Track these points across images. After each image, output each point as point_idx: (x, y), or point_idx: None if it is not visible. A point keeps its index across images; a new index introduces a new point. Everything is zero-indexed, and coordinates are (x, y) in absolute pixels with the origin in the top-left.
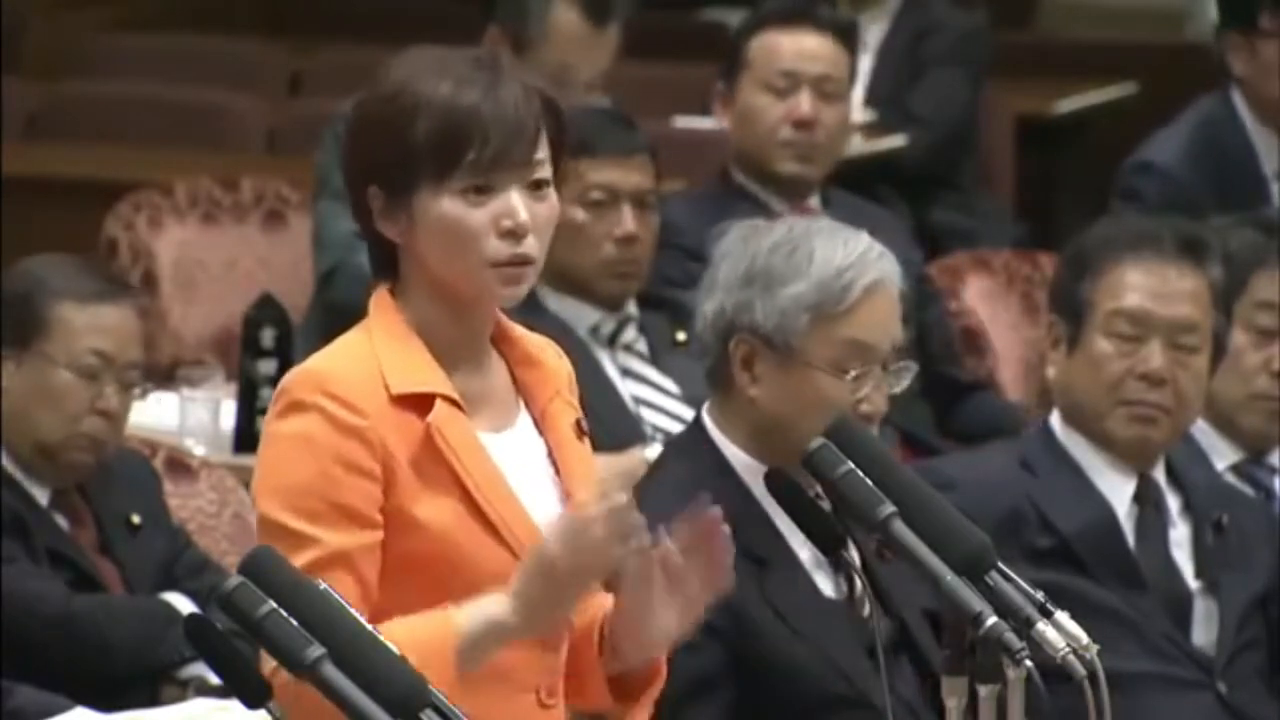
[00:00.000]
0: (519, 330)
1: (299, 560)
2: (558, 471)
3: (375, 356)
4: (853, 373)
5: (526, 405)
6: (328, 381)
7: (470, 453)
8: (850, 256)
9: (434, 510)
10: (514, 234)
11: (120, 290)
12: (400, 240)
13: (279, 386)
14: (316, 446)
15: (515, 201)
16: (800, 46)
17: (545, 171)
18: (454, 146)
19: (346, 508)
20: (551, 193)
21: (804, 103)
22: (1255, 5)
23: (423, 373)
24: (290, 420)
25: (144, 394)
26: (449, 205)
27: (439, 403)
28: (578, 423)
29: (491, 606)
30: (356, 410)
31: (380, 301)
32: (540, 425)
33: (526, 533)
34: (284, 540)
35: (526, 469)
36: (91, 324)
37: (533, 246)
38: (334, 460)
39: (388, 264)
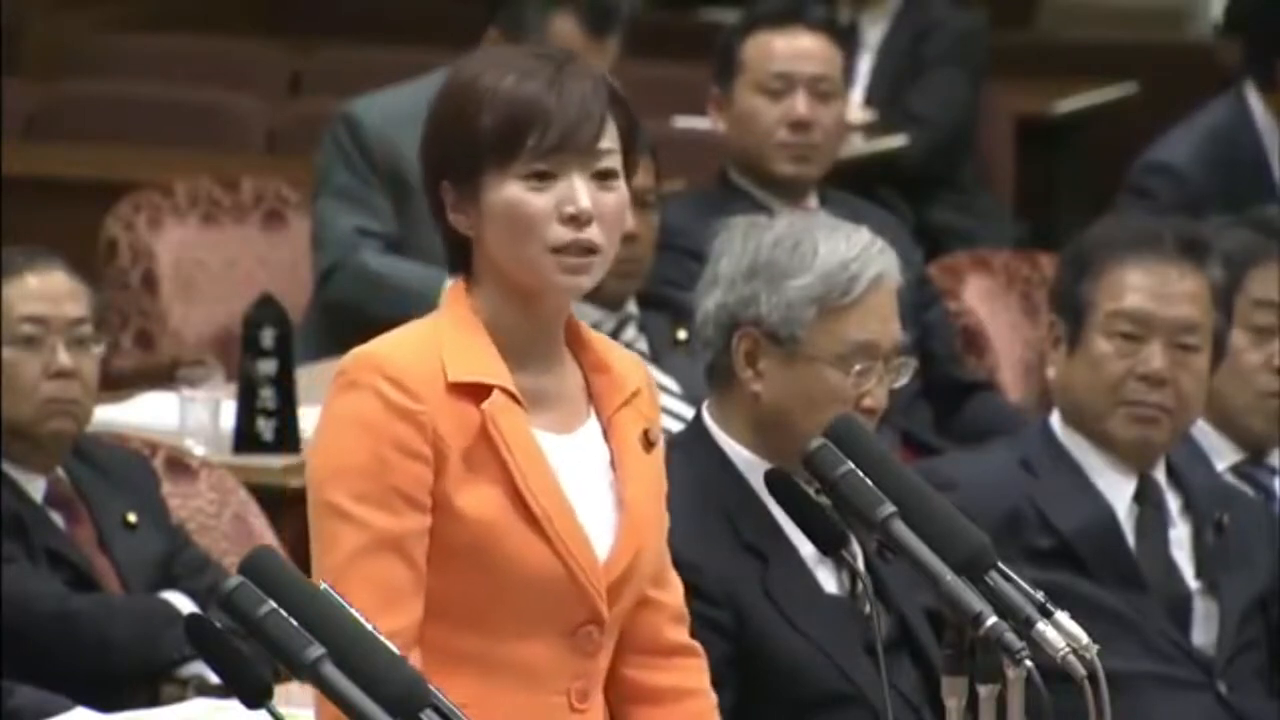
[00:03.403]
0: (596, 336)
1: (350, 541)
2: (617, 479)
3: (439, 344)
4: (857, 367)
5: (596, 412)
6: (385, 364)
7: (522, 446)
8: (854, 250)
9: (478, 500)
10: (576, 220)
11: (41, 256)
12: (471, 233)
13: (340, 364)
14: (371, 428)
15: (578, 187)
16: (794, 47)
17: (613, 161)
18: (515, 133)
19: (399, 491)
20: (621, 185)
21: (799, 104)
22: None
23: (483, 363)
24: (346, 399)
25: (105, 351)
26: (511, 191)
27: (495, 393)
28: (646, 433)
29: None
30: (411, 394)
31: (454, 293)
32: (606, 432)
33: (570, 531)
34: (336, 520)
35: (585, 473)
36: (19, 294)
37: (597, 234)
38: (387, 443)
39: (462, 260)
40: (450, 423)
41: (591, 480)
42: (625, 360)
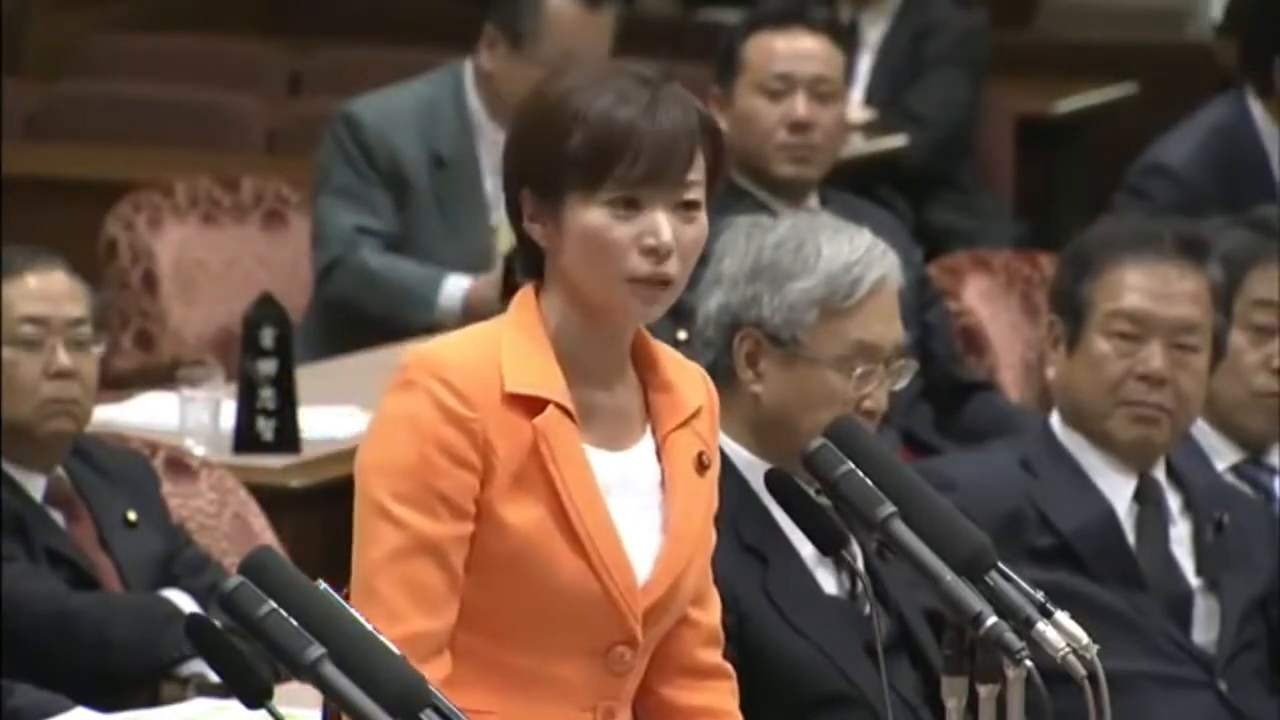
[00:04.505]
0: (666, 355)
1: (388, 541)
2: (665, 501)
3: (499, 350)
4: (859, 370)
5: (653, 430)
6: (443, 367)
7: (571, 463)
8: (857, 252)
9: (522, 513)
10: (656, 253)
11: (41, 256)
12: (545, 244)
13: (401, 360)
14: (421, 429)
15: (661, 220)
16: (794, 48)
17: (697, 193)
18: (605, 159)
19: (442, 495)
20: (702, 216)
21: (799, 105)
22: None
23: (541, 376)
24: (400, 398)
25: (105, 351)
26: (595, 216)
27: (550, 408)
28: (700, 455)
29: None
30: (465, 400)
31: (523, 299)
32: (660, 451)
33: (610, 551)
34: (377, 518)
35: (634, 492)
36: (19, 294)
37: (674, 267)
38: (436, 446)
39: (534, 267)
40: (502, 433)
41: (640, 500)
42: (690, 380)
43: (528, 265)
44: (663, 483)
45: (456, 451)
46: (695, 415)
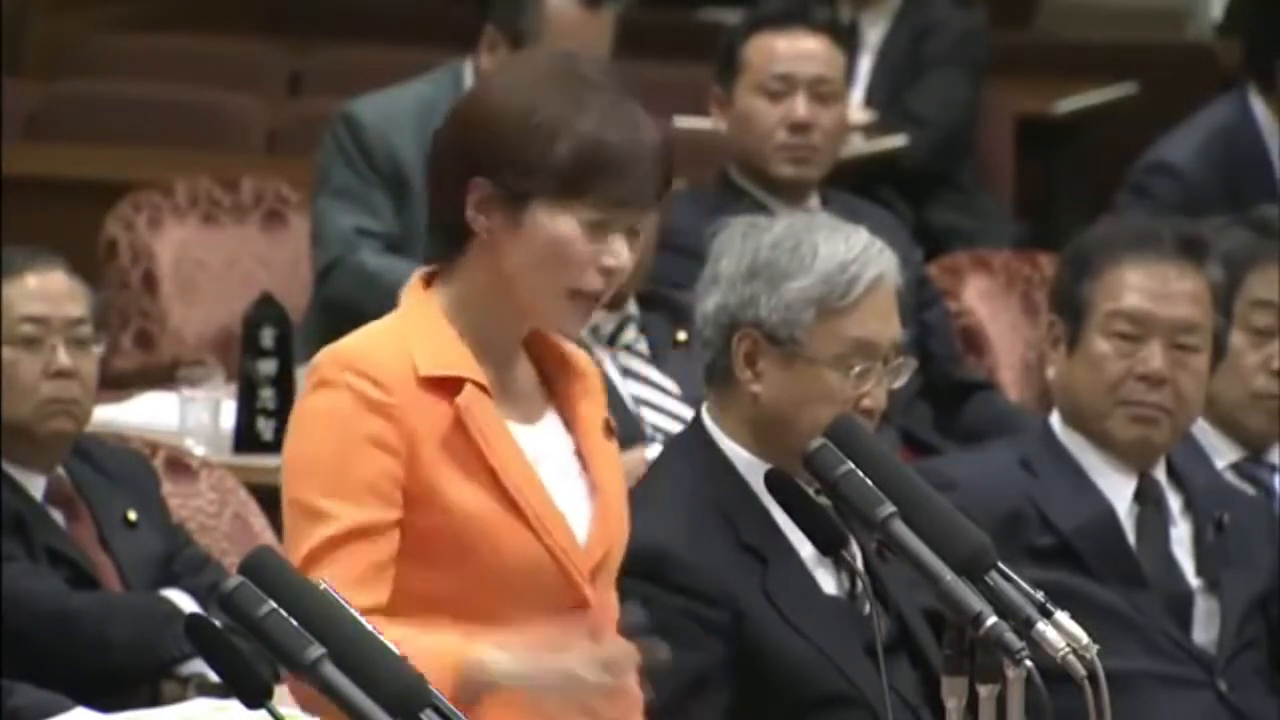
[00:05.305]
0: (552, 335)
1: (318, 534)
2: (585, 467)
3: (406, 340)
4: (857, 368)
5: (555, 404)
6: (356, 360)
7: (498, 437)
8: (853, 251)
9: (461, 491)
10: (611, 274)
11: (41, 256)
12: (484, 234)
13: (312, 363)
14: (341, 422)
15: (622, 244)
16: (795, 48)
17: (648, 219)
18: (589, 177)
19: (368, 483)
20: (640, 239)
21: (799, 106)
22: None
23: (453, 357)
24: (317, 397)
25: (105, 351)
26: (564, 226)
27: (468, 386)
28: (606, 422)
29: (491, 651)
30: (383, 387)
31: (412, 292)
32: (568, 423)
33: (551, 519)
34: (305, 515)
35: (554, 461)
36: (19, 294)
37: (614, 286)
38: (357, 436)
39: (448, 247)
40: (422, 417)
41: (561, 468)
42: (578, 353)
43: (439, 244)
44: (577, 452)
45: (380, 438)
46: (593, 386)
